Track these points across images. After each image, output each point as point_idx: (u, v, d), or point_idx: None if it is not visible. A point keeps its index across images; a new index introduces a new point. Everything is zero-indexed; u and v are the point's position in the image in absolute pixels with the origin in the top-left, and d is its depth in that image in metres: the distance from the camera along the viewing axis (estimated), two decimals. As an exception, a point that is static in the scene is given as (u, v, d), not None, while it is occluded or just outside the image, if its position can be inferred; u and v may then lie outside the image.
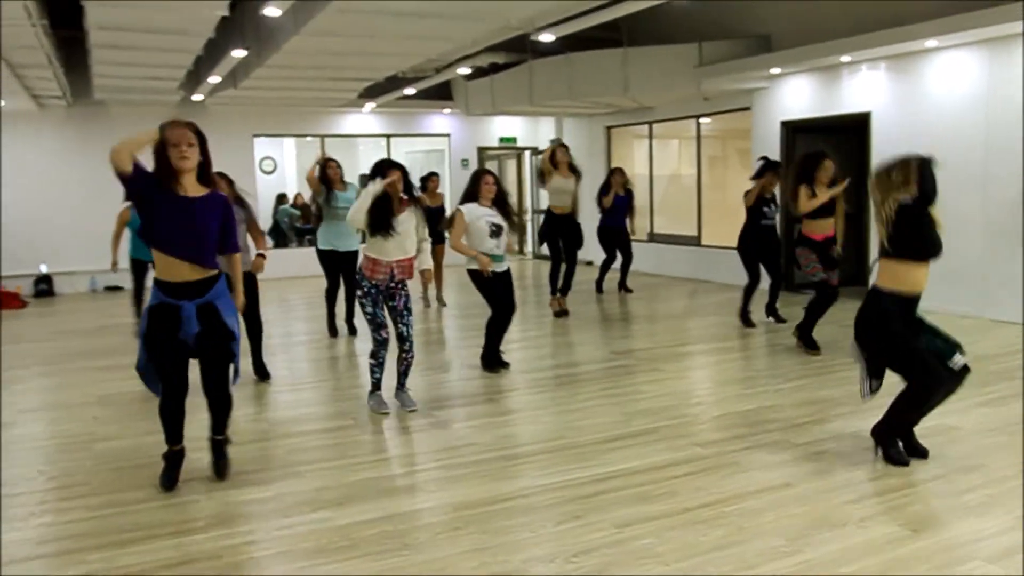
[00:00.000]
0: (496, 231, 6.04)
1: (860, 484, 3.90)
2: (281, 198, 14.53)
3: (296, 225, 14.22)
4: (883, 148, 8.90)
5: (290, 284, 12.53)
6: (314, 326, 8.56)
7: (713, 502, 3.71)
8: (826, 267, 6.64)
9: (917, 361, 4.01)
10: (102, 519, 3.67)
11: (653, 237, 12.88)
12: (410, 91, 11.30)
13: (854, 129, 9.40)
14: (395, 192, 5.08)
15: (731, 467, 4.18)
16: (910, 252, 4.10)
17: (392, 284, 5.17)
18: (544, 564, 3.16)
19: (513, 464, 4.35)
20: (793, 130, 10.13)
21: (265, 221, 14.24)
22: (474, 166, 15.01)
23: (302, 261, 13.31)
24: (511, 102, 12.13)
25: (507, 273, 6.25)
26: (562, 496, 3.84)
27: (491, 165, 16.33)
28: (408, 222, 5.19)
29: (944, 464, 4.10)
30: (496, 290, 6.15)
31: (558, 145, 8.94)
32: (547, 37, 8.09)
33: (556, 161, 8.63)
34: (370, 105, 12.84)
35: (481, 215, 6.02)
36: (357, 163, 15.90)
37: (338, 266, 7.66)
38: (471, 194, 6.09)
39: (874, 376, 4.22)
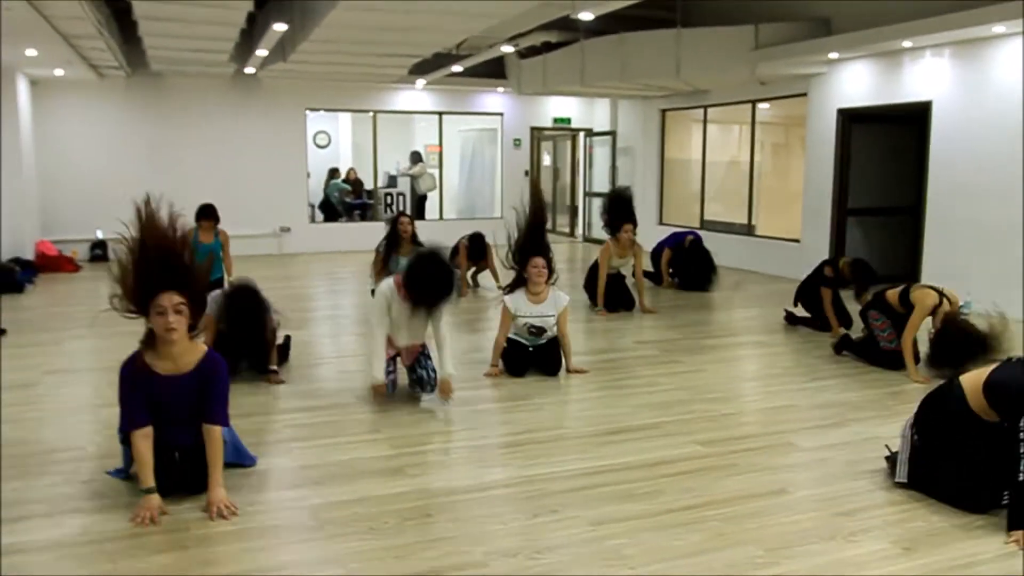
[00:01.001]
0: (536, 332, 5.62)
1: (861, 495, 3.67)
2: (333, 172, 14.64)
3: (346, 200, 14.31)
4: (944, 141, 8.46)
5: (340, 258, 12.65)
6: (357, 300, 8.50)
7: (698, 505, 3.55)
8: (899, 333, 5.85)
9: (966, 478, 3.48)
10: (85, 484, 3.71)
11: (704, 225, 12.55)
12: (457, 68, 11.19)
13: (914, 119, 8.94)
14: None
15: (727, 468, 4.00)
16: None
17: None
18: (505, 558, 3.06)
19: (504, 452, 4.26)
20: (850, 118, 9.69)
21: (316, 195, 14.40)
22: (527, 147, 14.88)
23: (352, 235, 13.45)
24: (562, 82, 11.92)
25: (548, 344, 5.69)
26: (544, 488, 3.73)
27: (545, 147, 16.17)
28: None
29: (957, 479, 3.83)
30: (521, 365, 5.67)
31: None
32: (586, 16, 7.86)
33: (620, 240, 8.03)
34: (421, 82, 12.79)
35: (524, 312, 5.55)
36: (412, 140, 15.96)
37: None
38: (519, 279, 5.63)
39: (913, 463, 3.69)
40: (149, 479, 3.36)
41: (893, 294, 5.83)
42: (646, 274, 9.81)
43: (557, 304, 5.62)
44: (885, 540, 3.23)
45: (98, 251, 11.93)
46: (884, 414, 4.82)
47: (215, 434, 3.48)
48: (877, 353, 5.93)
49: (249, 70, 11.56)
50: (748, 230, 11.73)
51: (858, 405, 5.05)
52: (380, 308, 4.86)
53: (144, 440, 3.38)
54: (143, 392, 3.41)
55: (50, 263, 10.69)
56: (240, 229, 12.51)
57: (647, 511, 3.49)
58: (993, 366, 3.52)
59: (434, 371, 5.00)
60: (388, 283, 4.88)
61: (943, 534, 3.29)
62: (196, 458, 3.48)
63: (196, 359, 3.49)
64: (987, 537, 3.27)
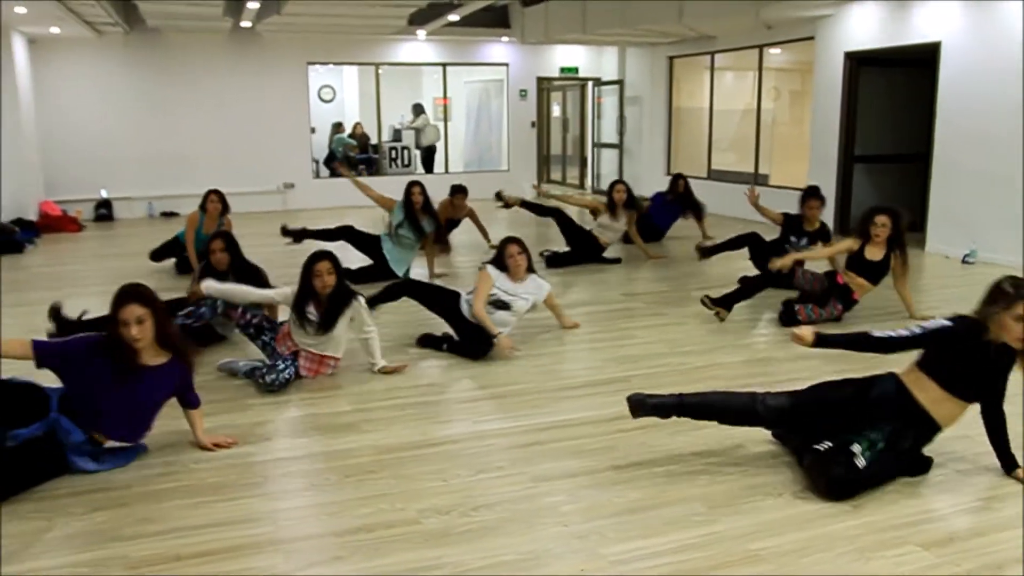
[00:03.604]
0: (502, 306, 5.09)
1: (819, 450, 3.56)
2: (337, 127, 14.51)
3: (350, 155, 14.20)
4: (952, 84, 8.13)
5: (344, 213, 12.53)
6: (350, 255, 8.36)
7: (647, 461, 3.47)
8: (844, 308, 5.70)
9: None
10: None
11: (711, 174, 12.30)
12: (454, 17, 10.94)
13: (924, 62, 8.59)
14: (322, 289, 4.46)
15: (686, 424, 3.85)
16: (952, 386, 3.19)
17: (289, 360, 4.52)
18: (438, 516, 3.01)
19: (461, 408, 4.20)
20: (858, 62, 9.35)
21: (321, 150, 14.30)
22: (533, 98, 14.61)
23: (356, 190, 13.33)
24: (565, 30, 11.65)
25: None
26: (494, 444, 3.68)
27: (555, 97, 15.89)
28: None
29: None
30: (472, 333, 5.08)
31: (616, 183, 8.26)
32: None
33: (613, 200, 8.01)
34: (422, 32, 12.55)
35: (501, 287, 5.11)
36: (420, 93, 15.73)
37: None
38: (500, 262, 5.19)
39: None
40: None
41: (847, 273, 5.70)
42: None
43: (538, 291, 5.28)
44: (835, 496, 3.13)
45: (103, 211, 11.97)
46: (860, 368, 4.65)
47: (192, 415, 3.68)
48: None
49: (245, 24, 11.40)
50: (756, 179, 11.45)
51: (837, 358, 4.88)
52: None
53: (20, 345, 3.38)
54: (84, 366, 3.37)
55: (53, 223, 10.73)
56: (243, 186, 12.52)
57: (593, 467, 3.42)
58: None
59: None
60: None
61: (896, 492, 3.18)
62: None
63: (162, 360, 3.45)
64: (947, 492, 3.17)
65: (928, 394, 3.16)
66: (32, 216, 10.61)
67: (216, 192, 7.56)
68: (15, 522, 2.99)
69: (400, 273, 7.24)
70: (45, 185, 11.58)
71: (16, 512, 3.07)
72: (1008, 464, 3.25)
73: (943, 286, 7.06)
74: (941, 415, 3.18)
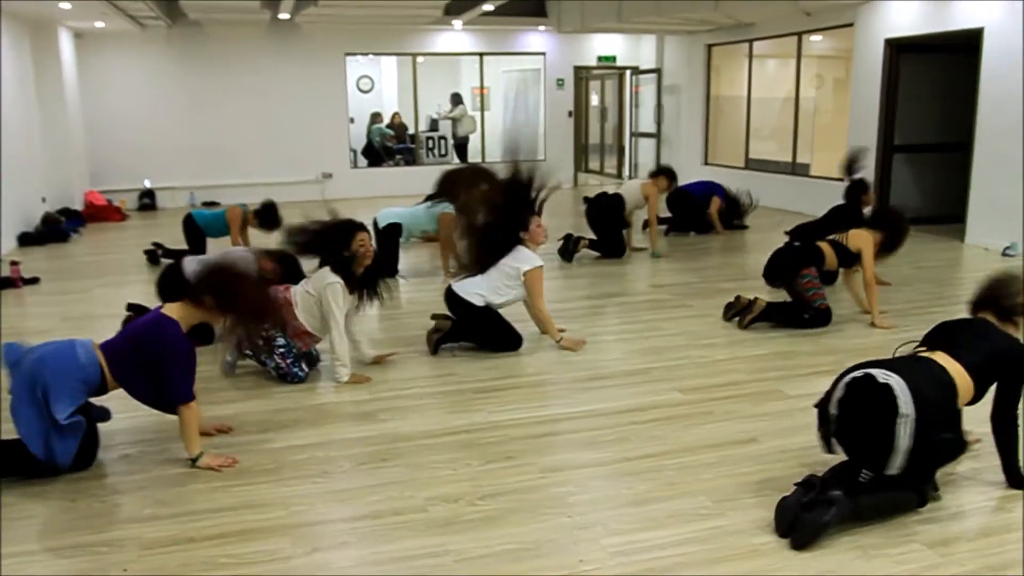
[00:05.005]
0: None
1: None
2: (375, 117, 14.62)
3: (387, 144, 14.31)
4: (995, 70, 7.91)
5: (382, 203, 12.62)
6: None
7: (658, 453, 3.48)
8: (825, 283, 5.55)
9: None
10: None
11: (748, 164, 12.15)
12: (488, 7, 10.95)
13: (965, 48, 8.36)
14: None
15: (701, 416, 3.90)
16: None
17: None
18: (445, 504, 3.06)
19: (479, 397, 4.23)
20: (898, 49, 9.14)
21: (359, 140, 14.43)
22: (570, 87, 14.56)
23: (394, 180, 13.50)
24: (600, 18, 11.56)
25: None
26: (507, 435, 3.71)
27: (593, 86, 15.81)
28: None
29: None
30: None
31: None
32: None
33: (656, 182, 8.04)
34: (459, 22, 12.58)
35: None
36: (459, 82, 15.78)
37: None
38: (517, 239, 4.99)
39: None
40: None
41: (828, 248, 5.43)
42: (688, 225, 9.40)
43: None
44: (844, 492, 3.11)
45: (146, 200, 12.25)
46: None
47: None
48: (814, 317, 5.37)
49: (283, 15, 11.55)
50: (793, 169, 11.29)
51: (863, 351, 4.83)
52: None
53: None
54: None
55: (98, 212, 11.02)
56: (281, 176, 12.72)
57: (604, 459, 3.44)
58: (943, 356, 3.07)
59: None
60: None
61: (908, 487, 3.14)
62: None
63: None
64: (948, 494, 3.11)
65: None
66: (78, 206, 10.91)
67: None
68: (42, 503, 3.13)
69: (403, 239, 7.23)
70: (90, 175, 11.89)
71: (44, 493, 3.20)
72: (1015, 479, 3.10)
73: (980, 280, 6.89)
74: None
